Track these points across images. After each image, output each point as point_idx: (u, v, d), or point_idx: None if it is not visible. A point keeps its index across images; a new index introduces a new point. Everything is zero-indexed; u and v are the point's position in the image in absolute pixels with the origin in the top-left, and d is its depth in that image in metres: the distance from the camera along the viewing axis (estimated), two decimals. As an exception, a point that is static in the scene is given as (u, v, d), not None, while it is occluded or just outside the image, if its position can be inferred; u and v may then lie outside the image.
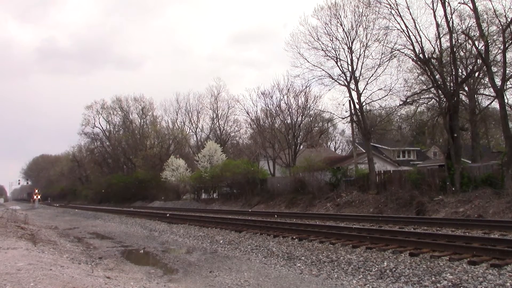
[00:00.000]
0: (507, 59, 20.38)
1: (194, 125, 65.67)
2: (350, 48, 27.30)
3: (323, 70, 28.70)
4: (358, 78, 27.39)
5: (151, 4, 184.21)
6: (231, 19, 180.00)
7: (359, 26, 26.56)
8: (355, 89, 27.45)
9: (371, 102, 27.20)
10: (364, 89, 27.26)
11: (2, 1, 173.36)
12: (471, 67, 23.61)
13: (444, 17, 21.38)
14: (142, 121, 71.62)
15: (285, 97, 38.28)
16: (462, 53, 23.24)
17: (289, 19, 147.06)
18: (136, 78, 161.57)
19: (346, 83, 27.90)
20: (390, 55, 24.10)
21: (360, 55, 27.12)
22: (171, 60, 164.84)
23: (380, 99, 26.52)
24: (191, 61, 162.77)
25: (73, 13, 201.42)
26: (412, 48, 22.62)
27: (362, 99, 27.28)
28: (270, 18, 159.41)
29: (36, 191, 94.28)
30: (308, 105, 37.62)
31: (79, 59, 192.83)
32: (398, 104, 25.96)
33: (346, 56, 27.61)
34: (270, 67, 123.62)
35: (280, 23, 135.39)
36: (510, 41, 19.92)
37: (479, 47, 20.86)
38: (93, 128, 72.86)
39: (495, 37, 21.29)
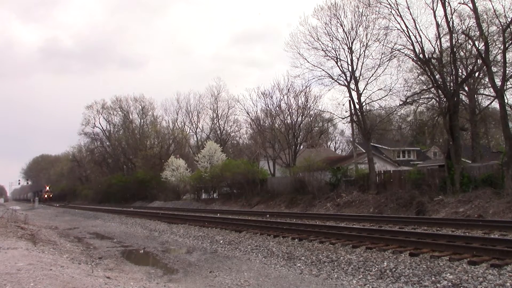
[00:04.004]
0: (507, 59, 20.39)
1: (194, 125, 65.78)
2: (350, 48, 27.32)
3: (323, 70, 28.75)
4: (358, 78, 27.43)
5: (154, 4, 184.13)
6: (234, 18, 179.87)
7: (359, 26, 26.61)
8: (355, 89, 27.46)
9: (371, 102, 27.25)
10: (364, 89, 27.31)
11: (6, 0, 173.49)
12: (471, 67, 23.61)
13: (444, 17, 21.42)
14: (142, 121, 71.69)
15: (285, 97, 38.31)
16: (462, 53, 23.25)
17: (293, 18, 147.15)
18: (139, 78, 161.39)
19: (346, 83, 27.93)
20: (390, 55, 24.12)
21: (360, 55, 27.18)
22: (174, 60, 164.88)
23: (380, 99, 26.57)
24: (194, 61, 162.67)
25: (76, 13, 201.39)
26: (412, 48, 22.65)
27: (362, 99, 27.33)
28: (274, 17, 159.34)
29: (48, 188, 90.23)
30: (308, 105, 37.66)
31: (82, 59, 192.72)
32: (398, 104, 26.01)
33: (346, 56, 27.67)
34: (274, 67, 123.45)
35: (284, 22, 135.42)
36: (510, 41, 19.92)
37: (479, 47, 20.87)
38: (93, 128, 72.89)
39: (495, 37, 21.31)
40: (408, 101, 24.51)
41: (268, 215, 22.53)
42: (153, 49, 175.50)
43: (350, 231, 12.67)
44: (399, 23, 22.68)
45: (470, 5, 20.15)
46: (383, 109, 28.67)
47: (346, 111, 28.79)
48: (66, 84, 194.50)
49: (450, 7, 21.08)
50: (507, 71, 20.67)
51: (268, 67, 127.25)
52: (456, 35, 21.57)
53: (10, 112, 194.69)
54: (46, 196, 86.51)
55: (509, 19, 19.56)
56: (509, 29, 19.60)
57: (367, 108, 28.29)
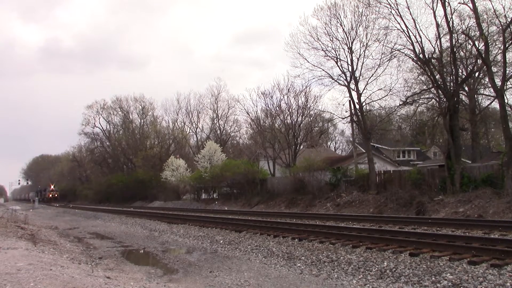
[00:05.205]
0: (507, 59, 20.39)
1: (194, 125, 65.76)
2: (350, 48, 27.32)
3: (323, 70, 28.75)
4: (358, 78, 27.43)
5: (155, 4, 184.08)
6: (235, 18, 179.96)
7: (359, 26, 26.60)
8: (355, 89, 27.46)
9: (371, 102, 27.26)
10: (364, 89, 27.32)
11: (7, 0, 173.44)
12: (471, 67, 23.62)
13: (444, 17, 21.41)
14: (142, 121, 71.70)
15: (285, 97, 38.29)
16: (462, 53, 23.26)
17: (293, 18, 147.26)
18: (140, 78, 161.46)
19: (346, 83, 27.92)
20: (390, 55, 24.14)
21: (360, 55, 27.18)
22: (175, 60, 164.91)
23: (380, 99, 26.58)
24: (195, 61, 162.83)
25: (77, 13, 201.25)
26: (412, 48, 22.65)
27: (362, 99, 27.33)
28: (275, 17, 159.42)
29: (52, 186, 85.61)
30: (308, 105, 37.62)
31: (83, 59, 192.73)
32: (398, 104, 26.03)
33: (346, 56, 27.66)
34: (275, 67, 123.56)
35: (285, 22, 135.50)
36: (510, 41, 19.92)
37: (479, 47, 20.87)
38: (93, 128, 72.93)
39: (495, 37, 21.33)
40: (408, 101, 24.53)
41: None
42: (154, 49, 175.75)
43: (350, 231, 12.66)
44: (399, 23, 22.70)
45: (470, 5, 20.16)
46: (383, 109, 28.71)
47: (346, 111, 28.82)
48: (67, 84, 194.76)
49: (450, 7, 21.10)
50: (507, 71, 20.68)
51: (269, 67, 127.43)
52: (456, 35, 21.58)
53: (10, 112, 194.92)
54: (50, 195, 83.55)
55: (509, 19, 19.56)
56: (509, 29, 19.59)
57: (367, 108, 28.32)
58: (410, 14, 22.34)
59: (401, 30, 22.68)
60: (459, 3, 20.67)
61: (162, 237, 16.13)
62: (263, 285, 7.83)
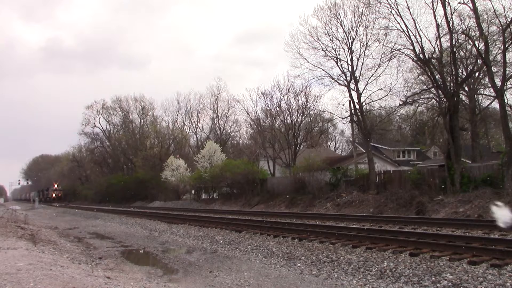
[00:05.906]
0: (507, 59, 20.37)
1: (194, 125, 65.72)
2: (350, 48, 27.32)
3: (323, 70, 28.77)
4: (358, 78, 27.43)
5: (157, 4, 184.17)
6: (236, 18, 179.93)
7: (359, 26, 26.63)
8: (355, 89, 27.46)
9: (371, 102, 27.28)
10: (364, 89, 27.33)
11: (8, 0, 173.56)
12: (471, 67, 23.60)
13: (444, 17, 21.39)
14: (142, 121, 71.63)
15: (285, 97, 38.31)
16: (462, 53, 23.24)
17: (294, 18, 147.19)
18: (140, 78, 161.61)
19: (346, 83, 27.92)
20: (390, 55, 24.12)
21: (360, 55, 27.19)
22: (176, 60, 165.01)
23: (380, 99, 26.60)
24: (195, 61, 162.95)
25: (78, 13, 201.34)
26: (412, 48, 22.63)
27: (362, 99, 27.34)
28: (275, 17, 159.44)
29: (56, 185, 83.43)
30: (308, 105, 37.66)
31: (84, 59, 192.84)
32: (398, 104, 25.99)
33: (346, 56, 27.67)
34: (275, 67, 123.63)
35: (285, 22, 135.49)
36: (510, 41, 19.91)
37: (479, 47, 20.86)
38: (93, 128, 72.91)
39: (495, 37, 21.30)
40: (408, 101, 24.50)
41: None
42: (154, 49, 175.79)
43: (350, 231, 12.66)
44: (399, 23, 22.68)
45: (470, 5, 20.15)
46: (383, 109, 28.72)
47: (346, 111, 28.82)
48: (67, 84, 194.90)
49: (450, 7, 21.08)
50: (507, 71, 20.66)
51: (269, 67, 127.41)
52: (456, 35, 21.56)
53: (10, 112, 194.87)
54: (54, 195, 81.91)
55: (509, 19, 19.56)
56: (509, 29, 19.59)
57: (367, 108, 28.33)
58: (410, 14, 22.35)
59: (401, 30, 22.69)
60: (459, 3, 20.68)
61: (162, 237, 16.13)
62: (263, 285, 7.83)
